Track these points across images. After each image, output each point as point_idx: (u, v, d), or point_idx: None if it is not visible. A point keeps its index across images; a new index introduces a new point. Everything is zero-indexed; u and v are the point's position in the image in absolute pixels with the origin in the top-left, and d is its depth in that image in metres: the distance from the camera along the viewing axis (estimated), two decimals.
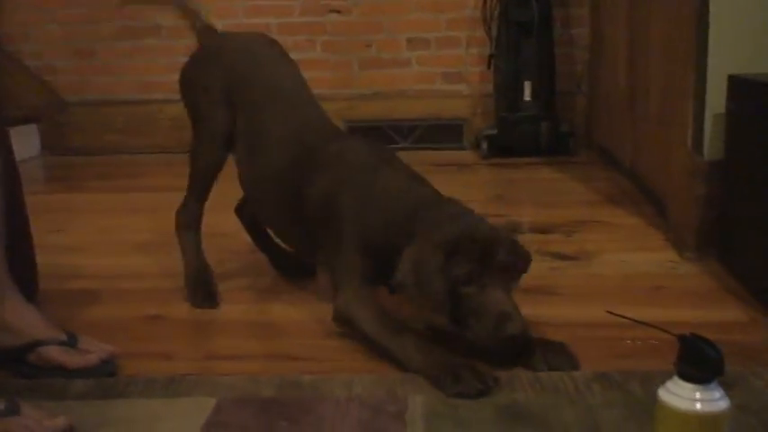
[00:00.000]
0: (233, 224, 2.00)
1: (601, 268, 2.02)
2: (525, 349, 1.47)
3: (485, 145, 3.59)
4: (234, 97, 1.83)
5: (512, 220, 2.54)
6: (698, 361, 0.97)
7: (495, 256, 1.45)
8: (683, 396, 0.97)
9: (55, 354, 1.44)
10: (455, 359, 1.42)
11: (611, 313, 1.11)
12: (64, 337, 1.46)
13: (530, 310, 1.69)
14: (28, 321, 1.46)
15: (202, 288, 1.84)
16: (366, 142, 1.76)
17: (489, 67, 3.67)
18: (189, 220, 1.90)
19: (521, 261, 1.55)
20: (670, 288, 1.86)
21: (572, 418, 1.25)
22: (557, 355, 1.47)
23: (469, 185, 3.12)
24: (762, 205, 1.74)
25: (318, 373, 1.44)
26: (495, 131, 3.60)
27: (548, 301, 1.80)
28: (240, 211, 2.01)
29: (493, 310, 1.41)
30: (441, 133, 3.90)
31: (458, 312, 1.45)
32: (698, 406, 0.96)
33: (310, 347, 1.57)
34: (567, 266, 2.03)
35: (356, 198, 1.60)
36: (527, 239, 2.34)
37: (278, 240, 1.95)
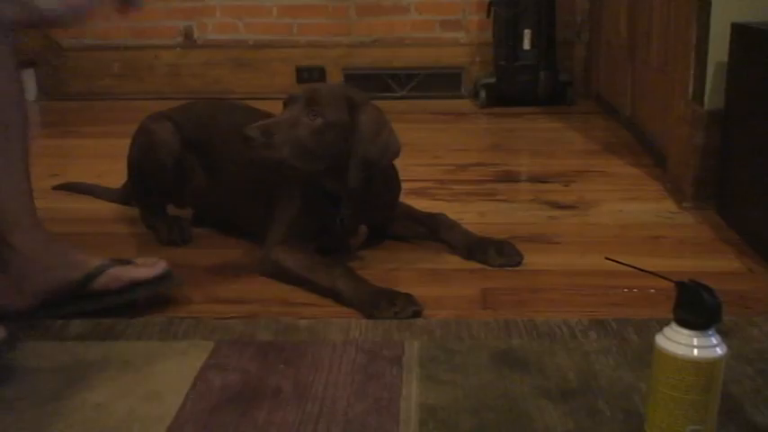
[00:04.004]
0: None
1: (598, 218, 2.02)
2: (479, 248, 1.70)
3: (483, 94, 3.57)
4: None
5: (509, 169, 2.53)
6: (696, 307, 0.97)
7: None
8: (680, 342, 0.97)
9: (127, 271, 1.46)
10: (385, 287, 1.51)
11: (609, 260, 1.11)
12: (118, 261, 1.48)
13: (528, 257, 1.70)
14: (77, 252, 1.47)
15: (177, 226, 1.89)
16: None
17: (489, 15, 3.63)
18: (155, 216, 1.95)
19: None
20: (668, 238, 1.86)
21: (568, 364, 1.26)
22: (507, 250, 1.70)
23: (467, 134, 3.10)
24: (761, 156, 1.73)
25: (315, 317, 1.45)
26: (493, 80, 3.57)
27: (545, 249, 1.80)
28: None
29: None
30: (439, 82, 3.88)
31: None
32: (695, 352, 0.96)
33: (307, 292, 1.57)
34: (564, 216, 2.03)
35: None
36: (525, 188, 2.35)
37: None
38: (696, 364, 0.96)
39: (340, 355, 1.29)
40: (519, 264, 1.69)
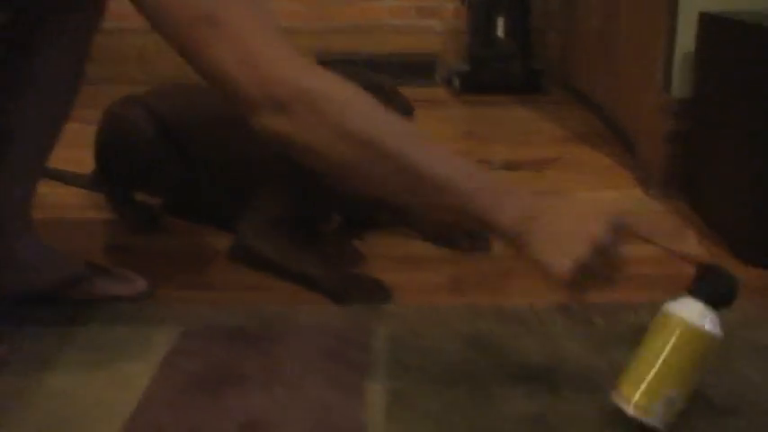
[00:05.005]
0: None
1: None
2: (449, 234, 1.71)
3: (457, 82, 3.57)
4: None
5: (483, 156, 2.54)
6: (716, 286, 1.03)
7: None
8: (694, 311, 1.02)
9: (107, 286, 1.44)
10: (356, 272, 1.53)
11: None
12: (99, 269, 1.46)
13: (497, 244, 1.71)
14: (52, 258, 1.42)
15: (145, 212, 1.89)
16: None
17: (463, 3, 3.63)
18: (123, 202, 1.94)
19: (402, 109, 1.67)
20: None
21: (535, 347, 1.27)
22: (477, 237, 1.70)
23: (441, 122, 3.11)
24: (727, 144, 1.75)
25: (283, 303, 1.45)
26: (467, 68, 3.58)
27: None
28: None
29: None
30: (413, 69, 3.87)
31: None
32: (706, 325, 1.01)
33: (277, 279, 1.57)
34: None
35: None
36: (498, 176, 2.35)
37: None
38: (701, 335, 1.01)
39: (309, 340, 1.30)
40: (488, 250, 1.70)
